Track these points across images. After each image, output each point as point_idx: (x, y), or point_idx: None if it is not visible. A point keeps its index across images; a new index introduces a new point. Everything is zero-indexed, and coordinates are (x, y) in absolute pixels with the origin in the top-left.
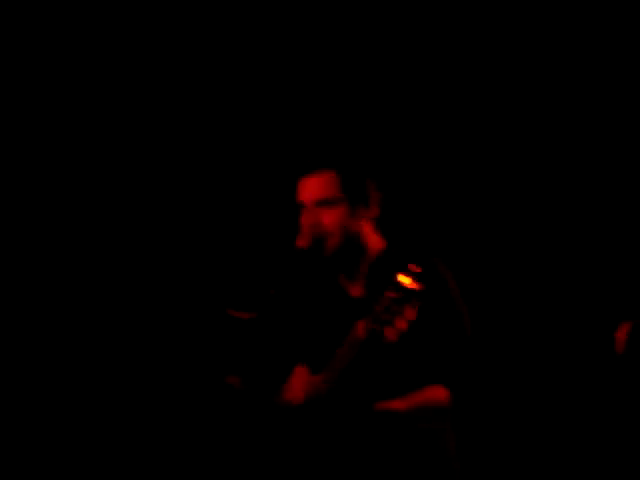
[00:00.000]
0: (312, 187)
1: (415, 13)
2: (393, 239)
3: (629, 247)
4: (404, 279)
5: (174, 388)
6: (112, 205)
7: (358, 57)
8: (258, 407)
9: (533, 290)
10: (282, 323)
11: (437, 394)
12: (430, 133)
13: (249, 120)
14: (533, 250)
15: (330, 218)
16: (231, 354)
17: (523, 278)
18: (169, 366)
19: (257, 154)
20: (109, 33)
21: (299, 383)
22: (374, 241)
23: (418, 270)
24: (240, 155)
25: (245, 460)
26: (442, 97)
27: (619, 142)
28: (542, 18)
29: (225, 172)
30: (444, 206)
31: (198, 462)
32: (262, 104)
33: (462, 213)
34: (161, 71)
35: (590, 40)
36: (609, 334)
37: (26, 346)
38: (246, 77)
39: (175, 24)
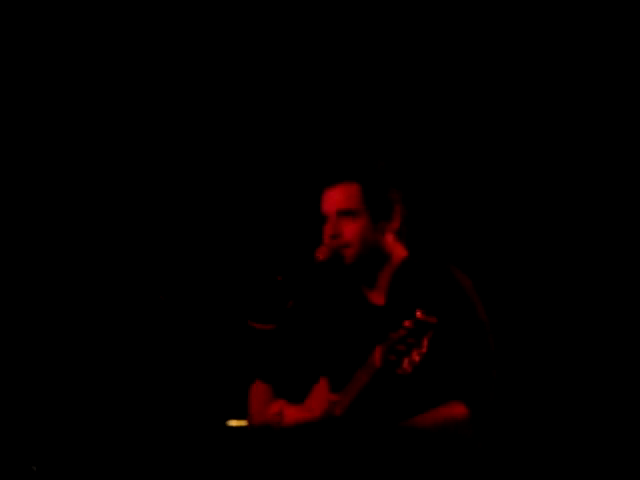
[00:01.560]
0: (335, 198)
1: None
2: (415, 248)
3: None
4: (419, 313)
5: (191, 401)
6: (123, 225)
7: (382, 69)
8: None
9: (549, 304)
10: (303, 334)
11: (455, 411)
12: (451, 146)
13: (272, 131)
14: (552, 267)
15: (351, 229)
16: (252, 365)
17: (539, 291)
18: (188, 377)
19: (280, 165)
20: (109, 33)
21: (317, 400)
22: (396, 251)
23: (429, 307)
24: (264, 166)
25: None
26: (466, 113)
27: (620, 142)
28: (544, 18)
29: (248, 183)
30: (462, 217)
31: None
32: (286, 115)
33: (480, 225)
34: (175, 80)
35: (590, 40)
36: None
37: (32, 347)
38: (269, 87)
39: (188, 26)
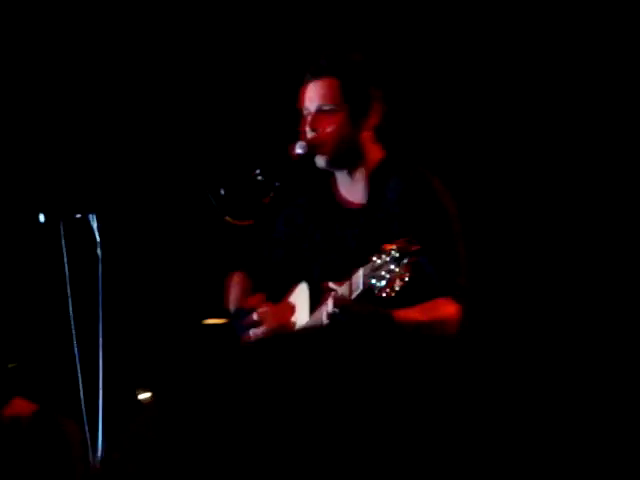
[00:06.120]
0: (313, 93)
1: None
2: (392, 149)
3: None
4: (403, 242)
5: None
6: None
7: None
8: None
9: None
10: (280, 231)
11: (448, 308)
12: (433, 48)
13: (249, 27)
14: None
15: (329, 125)
16: (229, 260)
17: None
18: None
19: (257, 60)
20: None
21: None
22: (373, 151)
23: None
24: (240, 61)
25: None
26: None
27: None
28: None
29: (225, 77)
30: (443, 120)
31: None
32: (264, 11)
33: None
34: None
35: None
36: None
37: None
38: None
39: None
